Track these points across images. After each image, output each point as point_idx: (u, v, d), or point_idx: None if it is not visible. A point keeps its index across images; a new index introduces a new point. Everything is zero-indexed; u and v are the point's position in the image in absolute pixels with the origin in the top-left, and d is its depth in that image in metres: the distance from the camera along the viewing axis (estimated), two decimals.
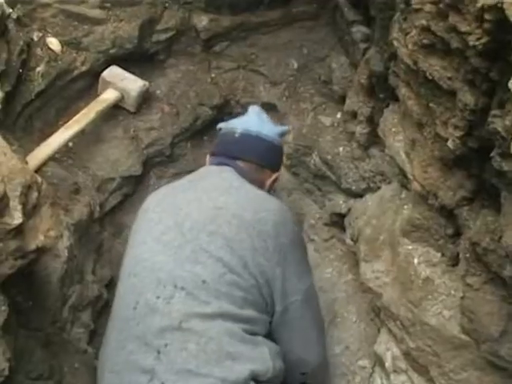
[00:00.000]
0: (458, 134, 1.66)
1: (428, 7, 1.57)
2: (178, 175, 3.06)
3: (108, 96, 2.87)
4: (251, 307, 2.04)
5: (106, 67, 2.94)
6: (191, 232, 2.08)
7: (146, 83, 2.98)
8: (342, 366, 2.64)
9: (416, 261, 2.13)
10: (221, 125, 2.57)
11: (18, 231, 1.67)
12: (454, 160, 1.82)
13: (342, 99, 2.81)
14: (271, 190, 2.50)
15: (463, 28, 1.43)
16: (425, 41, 1.66)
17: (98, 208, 2.69)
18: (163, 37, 3.06)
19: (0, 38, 2.38)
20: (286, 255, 2.12)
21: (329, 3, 2.99)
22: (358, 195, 2.75)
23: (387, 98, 2.35)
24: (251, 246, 2.05)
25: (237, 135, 2.42)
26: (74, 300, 2.42)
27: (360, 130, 2.59)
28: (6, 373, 1.61)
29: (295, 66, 3.08)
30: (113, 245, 2.82)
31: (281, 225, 2.15)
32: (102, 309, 2.63)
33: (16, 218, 1.64)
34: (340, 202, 2.86)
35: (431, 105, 1.78)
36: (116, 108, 2.97)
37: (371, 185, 2.65)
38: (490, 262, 1.71)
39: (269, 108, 3.16)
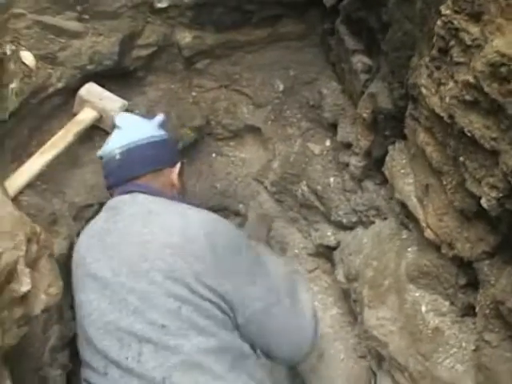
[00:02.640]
0: (496, 194, 1.57)
1: (479, 65, 1.46)
2: None
3: (85, 116, 2.67)
4: (220, 328, 1.95)
5: (83, 84, 2.74)
6: (130, 279, 1.95)
7: (126, 103, 2.79)
8: None
9: (424, 309, 2.07)
10: (99, 153, 2.40)
11: (24, 296, 1.51)
12: (476, 212, 1.74)
13: (332, 126, 2.72)
14: (183, 185, 2.40)
15: None
16: (467, 97, 1.56)
17: (76, 239, 2.51)
18: (144, 53, 2.87)
19: None
20: (228, 265, 2.00)
21: (318, 25, 2.87)
22: (349, 228, 2.66)
23: (393, 135, 2.26)
24: (191, 271, 1.92)
25: (118, 157, 2.27)
26: (53, 342, 2.25)
27: (355, 162, 2.50)
28: None
29: (281, 87, 2.95)
30: None
31: (213, 235, 2.01)
32: None
33: (24, 284, 1.47)
34: (328, 234, 2.77)
35: (462, 159, 1.68)
36: (92, 128, 2.76)
37: (363, 219, 2.56)
38: None
39: (252, 131, 3.05)
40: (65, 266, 2.40)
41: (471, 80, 1.53)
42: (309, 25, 2.91)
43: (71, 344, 2.39)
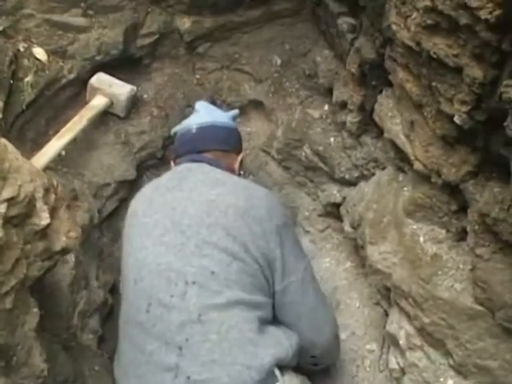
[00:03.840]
0: (465, 108, 1.71)
1: None
2: None
3: (97, 102, 2.88)
4: (259, 292, 2.11)
5: (93, 74, 2.95)
6: (191, 228, 2.12)
7: (134, 88, 3.00)
8: (351, 351, 2.69)
9: (422, 239, 2.19)
10: (175, 129, 2.67)
11: (44, 233, 1.68)
12: (456, 137, 1.87)
13: (328, 92, 2.87)
14: (240, 173, 2.62)
15: (474, 4, 1.49)
16: (429, 21, 1.71)
17: (96, 214, 2.70)
18: (147, 41, 3.08)
19: None
20: (281, 236, 2.20)
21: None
22: (352, 184, 2.81)
23: (380, 84, 2.41)
24: (249, 231, 2.12)
25: (194, 131, 2.54)
26: (82, 306, 2.43)
27: (351, 119, 2.64)
28: (45, 373, 1.63)
29: (278, 62, 3.12)
30: (112, 250, 2.83)
31: (272, 209, 2.24)
32: (108, 314, 2.65)
33: (43, 218, 1.65)
34: (334, 192, 2.92)
35: (434, 84, 1.82)
36: (106, 114, 2.99)
37: (365, 172, 2.70)
38: (501, 231, 1.76)
39: (256, 105, 3.23)
40: (88, 235, 2.60)
41: (428, 4, 1.69)
42: (299, 0, 3.08)
43: (101, 311, 2.57)
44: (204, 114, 2.61)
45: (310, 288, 2.30)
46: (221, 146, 2.51)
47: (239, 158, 2.59)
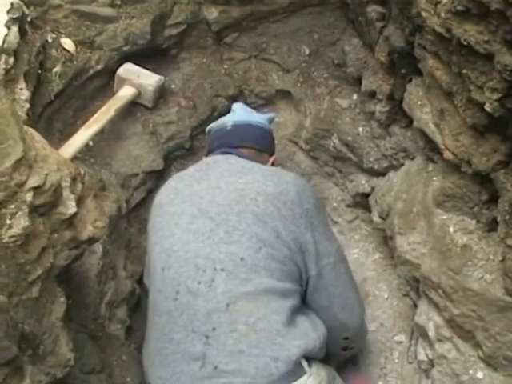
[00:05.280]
0: (496, 96, 1.68)
1: None
2: None
3: (125, 93, 2.89)
4: (287, 279, 2.09)
5: (121, 65, 2.95)
6: (219, 216, 2.11)
7: (162, 78, 3.00)
8: (379, 342, 2.68)
9: (452, 229, 2.17)
10: (210, 126, 2.66)
11: (71, 222, 1.68)
12: (487, 125, 1.84)
13: (357, 81, 2.84)
14: None
15: None
16: (459, 7, 1.68)
17: (124, 204, 2.71)
18: (175, 31, 3.09)
19: (20, 39, 2.39)
20: (312, 219, 2.19)
21: None
22: (381, 174, 2.78)
23: (409, 73, 2.38)
24: (280, 216, 2.11)
25: (229, 127, 2.54)
26: (109, 296, 2.44)
27: (380, 108, 2.62)
28: (72, 363, 1.63)
29: (307, 51, 3.11)
30: (140, 241, 2.83)
31: (302, 192, 2.22)
32: (135, 305, 2.66)
33: (70, 207, 1.65)
34: (362, 182, 2.90)
35: (464, 71, 1.79)
36: (133, 105, 3.00)
37: (394, 162, 2.67)
38: None
39: (284, 95, 3.21)
40: (116, 226, 2.60)
41: None
42: None
43: (128, 301, 2.57)
44: (240, 113, 2.63)
45: (342, 269, 2.30)
46: (254, 145, 2.51)
47: (271, 159, 2.58)
